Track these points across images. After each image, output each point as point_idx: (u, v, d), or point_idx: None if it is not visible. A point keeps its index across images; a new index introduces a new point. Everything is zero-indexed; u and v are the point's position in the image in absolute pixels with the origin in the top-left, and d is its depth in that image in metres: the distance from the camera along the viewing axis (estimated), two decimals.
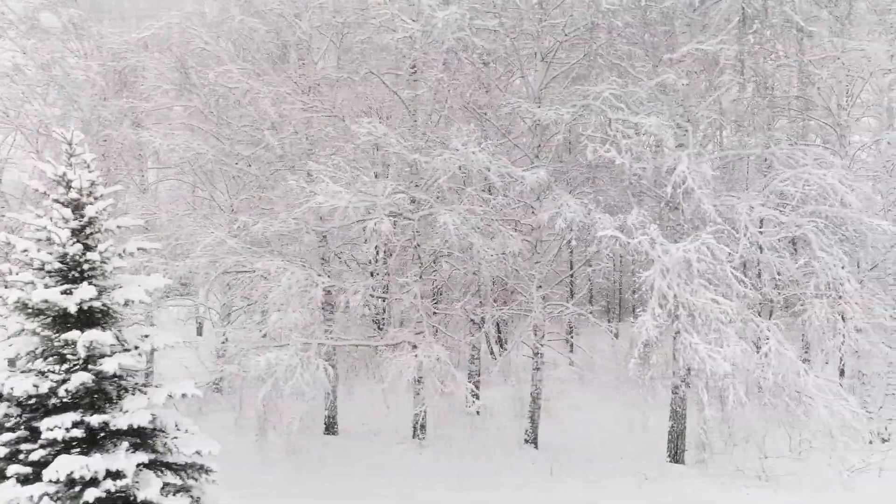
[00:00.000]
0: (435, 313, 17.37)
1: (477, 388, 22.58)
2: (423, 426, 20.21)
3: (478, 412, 23.07)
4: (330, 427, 20.81)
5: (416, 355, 15.26)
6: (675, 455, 18.32)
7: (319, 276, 16.02)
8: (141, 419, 10.28)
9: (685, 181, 13.46)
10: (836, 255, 14.79)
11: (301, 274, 15.28)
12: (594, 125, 14.71)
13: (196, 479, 11.32)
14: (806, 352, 20.19)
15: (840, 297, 14.68)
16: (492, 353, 24.55)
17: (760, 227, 15.69)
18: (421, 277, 16.50)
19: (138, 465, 10.27)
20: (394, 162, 15.50)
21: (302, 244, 16.48)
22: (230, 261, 15.40)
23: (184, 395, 10.76)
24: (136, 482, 10.20)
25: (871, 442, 20.45)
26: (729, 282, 13.80)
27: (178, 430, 11.02)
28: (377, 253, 14.62)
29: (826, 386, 15.91)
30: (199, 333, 27.51)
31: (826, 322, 14.61)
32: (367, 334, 20.25)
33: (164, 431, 11.01)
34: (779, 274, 15.18)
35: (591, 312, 18.66)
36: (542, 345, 18.80)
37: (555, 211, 14.30)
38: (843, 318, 14.87)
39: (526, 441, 19.73)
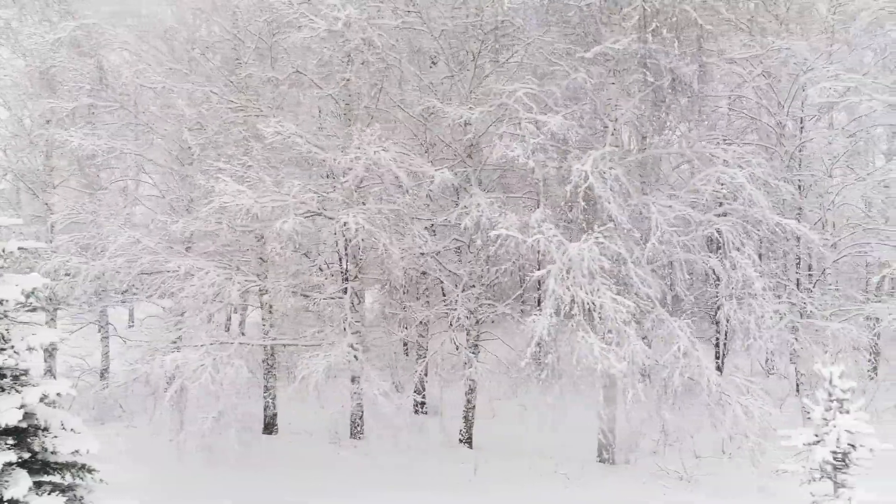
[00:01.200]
0: (356, 311, 17.34)
1: (423, 387, 22.73)
2: (359, 426, 20.25)
3: (425, 412, 23.37)
4: (269, 427, 20.85)
5: (325, 354, 15.18)
6: (605, 454, 18.26)
7: (239, 275, 16.06)
8: (11, 418, 10.27)
9: (587, 180, 13.39)
10: (747, 254, 14.72)
11: (216, 273, 15.30)
12: (506, 124, 14.67)
13: (81, 479, 11.31)
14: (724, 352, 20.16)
15: (752, 297, 14.60)
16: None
17: (681, 227, 15.59)
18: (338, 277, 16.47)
19: (8, 464, 10.28)
20: (300, 161, 15.45)
21: (222, 243, 16.40)
22: (146, 260, 15.40)
23: (58, 395, 10.77)
24: (6, 480, 10.20)
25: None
26: (631, 281, 13.74)
27: (63, 429, 11.01)
28: (295, 251, 14.54)
29: (744, 386, 15.91)
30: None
31: (738, 322, 14.51)
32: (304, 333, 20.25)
33: (46, 430, 11.00)
34: (690, 273, 15.09)
35: (521, 311, 18.58)
36: (475, 344, 18.79)
37: (462, 210, 14.25)
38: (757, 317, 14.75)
39: (460, 441, 19.72)
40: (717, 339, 21.22)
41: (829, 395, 9.21)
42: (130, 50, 16.31)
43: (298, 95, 17.27)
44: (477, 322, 17.72)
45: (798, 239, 15.05)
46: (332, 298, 17.22)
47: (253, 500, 15.35)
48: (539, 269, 13.08)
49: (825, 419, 9.12)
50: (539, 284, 15.72)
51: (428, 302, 18.64)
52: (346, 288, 17.90)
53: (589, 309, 12.97)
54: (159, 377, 17.49)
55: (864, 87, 14.76)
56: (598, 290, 13.07)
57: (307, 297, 16.95)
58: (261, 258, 16.88)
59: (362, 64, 14.64)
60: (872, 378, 25.88)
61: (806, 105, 17.96)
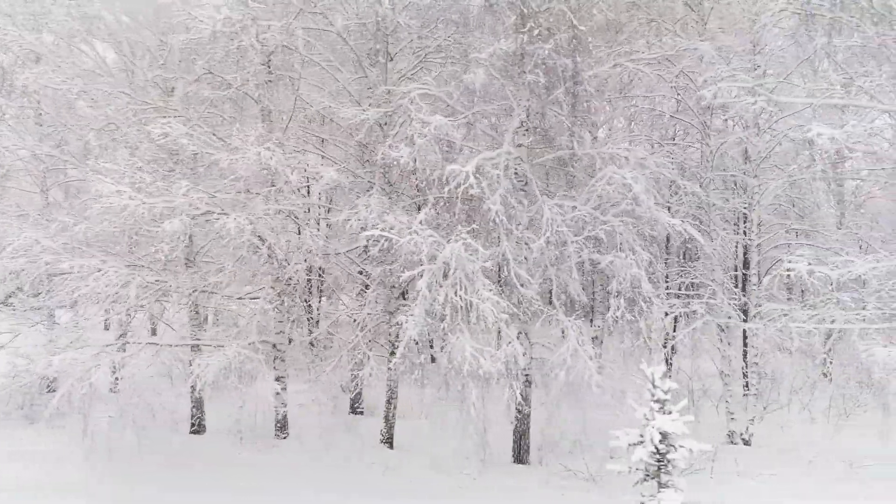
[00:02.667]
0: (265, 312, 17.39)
1: (360, 387, 22.75)
2: (283, 426, 20.29)
3: (361, 412, 23.42)
4: (196, 427, 20.90)
5: (221, 355, 15.21)
6: (519, 455, 18.27)
7: (144, 275, 16.11)
8: None
9: (467, 180, 13.39)
10: (639, 253, 14.71)
11: (114, 273, 15.34)
12: (399, 125, 14.69)
13: None
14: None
15: (642, 297, 14.57)
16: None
17: (585, 228, 15.57)
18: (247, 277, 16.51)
19: None
20: (187, 160, 15.49)
21: (128, 243, 16.47)
22: (46, 260, 15.46)
23: None
24: None
25: (732, 443, 20.39)
26: (515, 282, 13.74)
27: None
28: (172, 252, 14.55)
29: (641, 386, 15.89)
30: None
31: (626, 322, 14.50)
32: (225, 334, 20.31)
33: None
34: (582, 273, 15.09)
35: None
36: (395, 345, 18.81)
37: (350, 211, 14.28)
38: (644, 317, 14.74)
39: (381, 441, 19.74)
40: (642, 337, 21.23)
41: (652, 395, 9.19)
42: (36, 50, 16.39)
43: (211, 96, 17.30)
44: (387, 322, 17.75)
45: (690, 238, 14.95)
46: (241, 299, 17.29)
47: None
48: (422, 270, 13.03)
49: (647, 419, 9.10)
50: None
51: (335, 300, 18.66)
52: (263, 288, 18.02)
53: (466, 310, 12.97)
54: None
55: (762, 87, 14.67)
56: (477, 291, 13.07)
57: (217, 296, 17.00)
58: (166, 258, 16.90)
59: (263, 65, 14.68)
60: (827, 377, 26.03)
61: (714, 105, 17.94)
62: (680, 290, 19.37)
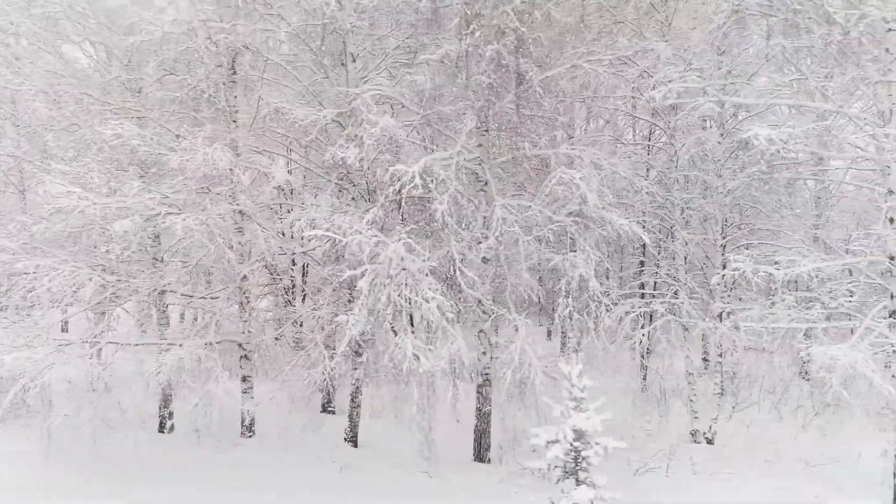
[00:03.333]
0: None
1: (333, 386, 22.88)
2: (249, 425, 20.42)
3: (332, 410, 23.54)
4: (163, 425, 21.03)
5: (174, 354, 15.33)
6: (480, 453, 18.37)
7: (103, 276, 16.24)
8: None
9: (413, 180, 13.50)
10: (587, 252, 14.81)
11: (70, 274, 15.47)
12: (351, 126, 14.79)
13: None
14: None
15: (589, 296, 14.67)
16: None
17: (530, 227, 15.68)
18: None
19: None
20: (142, 162, 15.61)
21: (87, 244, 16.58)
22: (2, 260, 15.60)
23: None
24: None
25: (696, 441, 20.48)
26: (463, 281, 13.84)
27: None
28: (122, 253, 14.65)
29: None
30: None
31: (569, 321, 14.60)
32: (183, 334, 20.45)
33: None
34: (539, 273, 15.19)
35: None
36: (360, 344, 18.92)
37: (301, 211, 14.39)
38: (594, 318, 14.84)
39: (345, 440, 19.86)
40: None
41: (569, 393, 9.29)
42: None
43: (174, 97, 17.41)
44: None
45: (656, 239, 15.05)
46: (203, 299, 17.42)
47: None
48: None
49: (563, 417, 9.20)
50: None
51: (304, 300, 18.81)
52: (227, 288, 18.16)
53: (408, 309, 13.08)
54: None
55: (710, 88, 14.75)
56: (422, 291, 13.18)
57: (176, 295, 17.13)
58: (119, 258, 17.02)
59: (220, 66, 14.79)
60: (804, 377, 26.11)
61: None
62: (644, 289, 19.48)
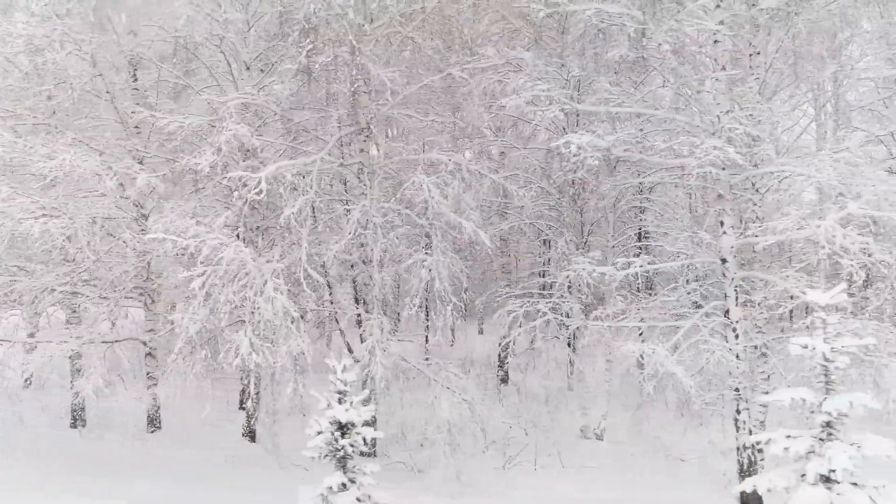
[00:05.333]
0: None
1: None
2: (153, 420, 21.14)
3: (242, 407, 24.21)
4: (75, 421, 21.69)
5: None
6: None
7: None
8: None
9: (258, 185, 14.17)
10: (437, 254, 15.47)
11: None
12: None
13: None
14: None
15: (438, 297, 15.33)
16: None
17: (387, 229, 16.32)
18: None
19: None
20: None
21: None
22: None
23: None
24: None
25: (585, 437, 21.06)
26: (311, 282, 14.52)
27: None
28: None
29: (453, 380, 16.71)
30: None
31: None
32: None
33: None
34: (396, 274, 15.84)
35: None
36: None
37: (158, 215, 15.09)
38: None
39: (242, 435, 20.55)
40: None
41: (335, 386, 9.93)
42: None
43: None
44: None
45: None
46: (87, 296, 18.20)
47: None
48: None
49: (328, 408, 9.86)
50: None
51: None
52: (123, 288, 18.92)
53: (251, 309, 13.74)
54: None
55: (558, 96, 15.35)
56: (265, 292, 13.83)
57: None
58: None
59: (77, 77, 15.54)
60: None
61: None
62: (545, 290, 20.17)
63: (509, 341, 18.53)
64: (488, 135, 20.39)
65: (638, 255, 15.14)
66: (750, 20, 12.78)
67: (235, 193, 14.05)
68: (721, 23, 12.91)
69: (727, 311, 14.78)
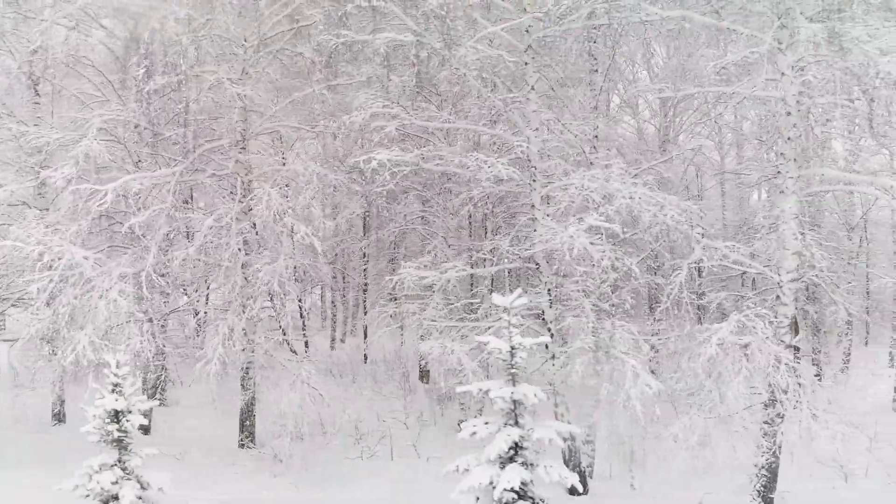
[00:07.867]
0: None
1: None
2: (58, 414, 22.49)
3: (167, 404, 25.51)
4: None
5: None
6: (241, 441, 20.35)
7: None
8: None
9: (104, 197, 15.53)
10: (278, 256, 16.87)
11: None
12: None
13: None
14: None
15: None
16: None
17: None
18: None
19: None
20: None
21: None
22: None
23: None
24: None
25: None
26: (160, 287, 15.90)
27: None
28: None
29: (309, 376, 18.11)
30: None
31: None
32: None
33: None
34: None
35: None
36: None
37: (19, 225, 16.52)
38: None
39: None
40: None
41: (109, 379, 11.23)
42: None
43: None
44: None
45: None
46: None
47: None
48: None
49: (101, 397, 11.18)
50: None
51: None
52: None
53: (93, 310, 15.12)
54: None
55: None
56: (111, 294, 15.21)
57: None
58: None
59: None
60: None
61: None
62: None
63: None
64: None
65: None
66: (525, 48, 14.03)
67: (89, 204, 15.39)
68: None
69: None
